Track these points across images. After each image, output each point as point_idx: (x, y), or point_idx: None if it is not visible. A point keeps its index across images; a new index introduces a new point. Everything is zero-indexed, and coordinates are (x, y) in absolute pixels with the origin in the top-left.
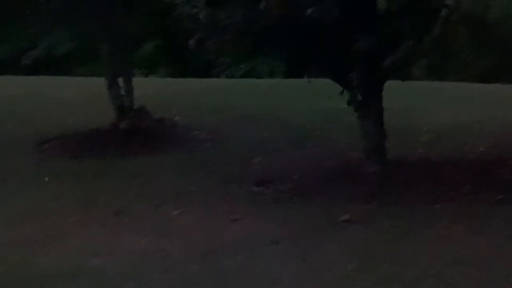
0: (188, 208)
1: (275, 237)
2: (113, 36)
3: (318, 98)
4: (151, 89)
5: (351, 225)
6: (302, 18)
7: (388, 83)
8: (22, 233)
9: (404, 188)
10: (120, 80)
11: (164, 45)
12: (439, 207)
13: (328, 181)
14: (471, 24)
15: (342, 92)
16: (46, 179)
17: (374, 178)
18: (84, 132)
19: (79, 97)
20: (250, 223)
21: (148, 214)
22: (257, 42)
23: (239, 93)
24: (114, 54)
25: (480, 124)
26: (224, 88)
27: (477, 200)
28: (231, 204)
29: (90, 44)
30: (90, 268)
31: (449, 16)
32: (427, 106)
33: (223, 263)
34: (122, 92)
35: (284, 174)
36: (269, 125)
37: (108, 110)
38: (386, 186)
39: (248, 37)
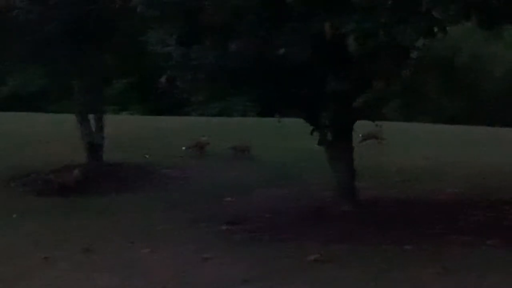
0: (158, 246)
1: (246, 277)
2: (84, 73)
3: (291, 137)
4: (122, 127)
5: (322, 265)
6: (274, 59)
7: (359, 123)
8: None
9: (376, 228)
10: (92, 117)
11: (137, 83)
12: (410, 248)
13: (300, 220)
14: (441, 67)
15: (312, 132)
16: (14, 216)
17: (346, 218)
18: (54, 170)
19: (50, 134)
20: (221, 262)
21: (118, 252)
22: (229, 82)
23: (211, 131)
24: (86, 91)
25: (451, 166)
26: (196, 127)
27: (448, 241)
28: (202, 243)
29: (63, 81)
30: None
31: (420, 58)
32: (399, 147)
33: None
34: (93, 129)
35: (256, 213)
36: (241, 164)
37: (80, 147)
38: (358, 226)
39: (220, 77)
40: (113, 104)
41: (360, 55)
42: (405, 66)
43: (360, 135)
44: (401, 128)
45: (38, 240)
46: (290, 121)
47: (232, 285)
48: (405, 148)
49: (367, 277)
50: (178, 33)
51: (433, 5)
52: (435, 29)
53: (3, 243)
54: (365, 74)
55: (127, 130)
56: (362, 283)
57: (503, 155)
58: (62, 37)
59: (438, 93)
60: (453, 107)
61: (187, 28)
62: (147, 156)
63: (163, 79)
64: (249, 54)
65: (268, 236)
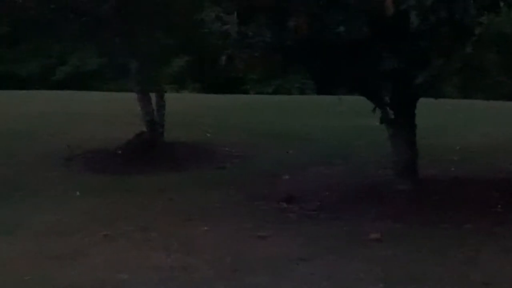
0: (215, 224)
1: (302, 255)
2: (141, 52)
3: (348, 115)
4: (180, 105)
5: (378, 244)
6: (331, 36)
7: (420, 101)
8: (50, 246)
9: (434, 207)
10: (151, 95)
11: (194, 61)
12: (469, 226)
13: (356, 198)
14: (502, 43)
15: (374, 110)
16: (78, 193)
17: (404, 196)
18: (113, 147)
19: (109, 112)
20: (277, 240)
21: (175, 230)
22: (286, 59)
23: (268, 109)
24: (143, 70)
25: (511, 143)
26: (253, 105)
27: (507, 220)
28: (258, 221)
29: (119, 60)
30: (116, 283)
31: (481, 34)
32: (459, 124)
33: (250, 281)
34: (154, 107)
35: (312, 192)
36: (298, 142)
37: (138, 125)
38: (416, 205)
39: (277, 54)
40: (172, 82)
41: (420, 31)
42: (466, 43)
43: None
44: (460, 105)
45: (97, 217)
46: (349, 98)
47: (289, 263)
48: (465, 125)
49: (424, 256)
50: (235, 11)
51: None
52: (501, 4)
53: (63, 220)
54: (424, 51)
55: (186, 108)
56: (419, 261)
57: None
58: (114, 16)
59: (498, 70)
60: None
61: (243, 6)
62: (208, 134)
63: (223, 57)
64: (304, 32)
65: (324, 214)
